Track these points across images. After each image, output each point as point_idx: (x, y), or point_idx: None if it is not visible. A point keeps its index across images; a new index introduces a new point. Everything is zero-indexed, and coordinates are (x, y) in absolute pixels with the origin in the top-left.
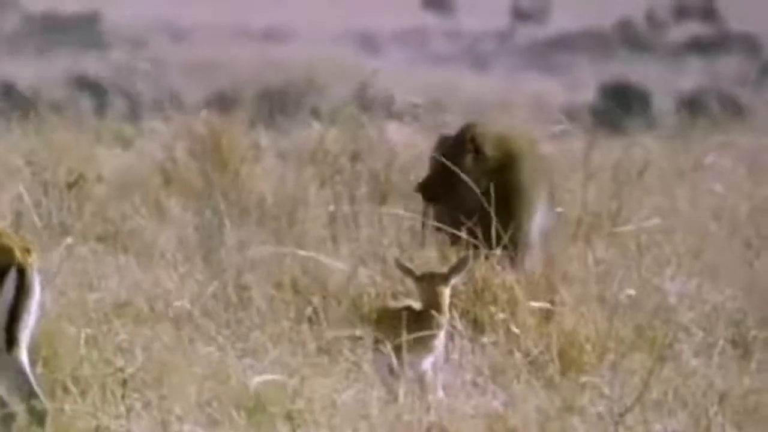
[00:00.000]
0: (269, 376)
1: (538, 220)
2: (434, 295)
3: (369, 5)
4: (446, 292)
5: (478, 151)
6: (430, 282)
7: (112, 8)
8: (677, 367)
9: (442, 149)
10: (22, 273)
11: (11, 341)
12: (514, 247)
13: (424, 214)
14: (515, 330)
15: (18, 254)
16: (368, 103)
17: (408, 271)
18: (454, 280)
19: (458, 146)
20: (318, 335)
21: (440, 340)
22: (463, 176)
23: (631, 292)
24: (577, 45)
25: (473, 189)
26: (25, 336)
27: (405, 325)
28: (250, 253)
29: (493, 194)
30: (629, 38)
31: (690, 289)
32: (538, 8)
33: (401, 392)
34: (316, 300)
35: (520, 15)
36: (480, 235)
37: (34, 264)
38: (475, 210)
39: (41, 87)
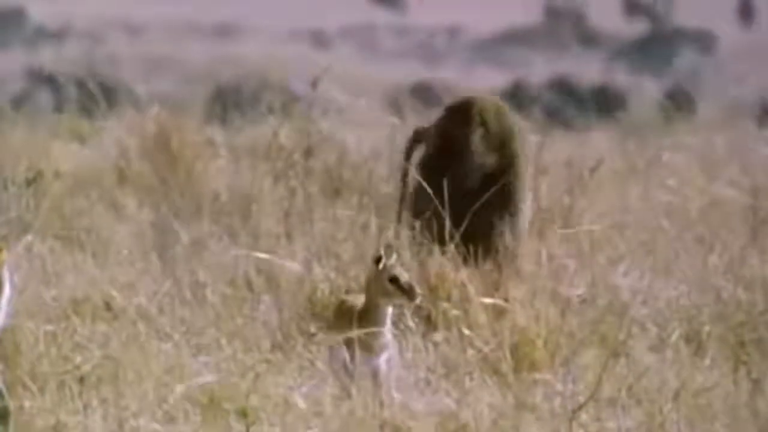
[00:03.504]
0: (224, 374)
1: (528, 205)
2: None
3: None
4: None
5: (484, 126)
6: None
7: (68, 4)
8: (631, 364)
9: (443, 123)
10: None
11: None
12: (510, 236)
13: (402, 200)
14: (466, 331)
15: None
16: (319, 99)
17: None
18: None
19: (464, 120)
20: (272, 332)
21: (389, 337)
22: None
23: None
24: (529, 40)
25: (478, 168)
26: None
27: (356, 321)
28: (205, 250)
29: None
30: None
31: (643, 285)
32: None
33: (354, 389)
34: (269, 297)
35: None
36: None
37: (4, 262)
38: (475, 192)
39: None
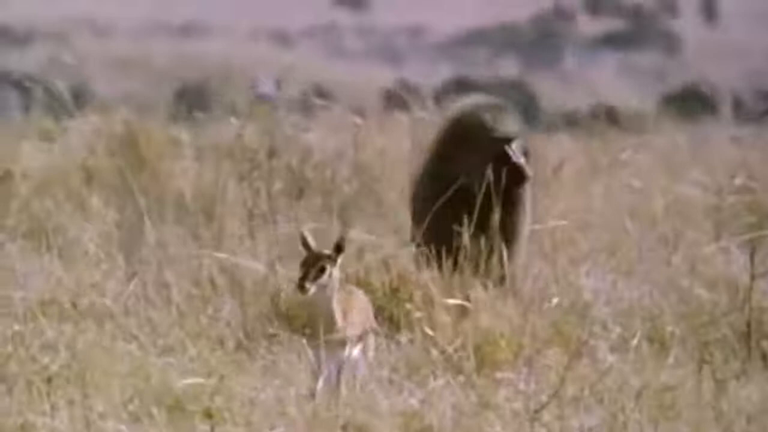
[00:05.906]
0: (189, 375)
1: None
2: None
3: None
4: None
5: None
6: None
7: (34, 6)
8: (593, 363)
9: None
10: None
11: None
12: (508, 247)
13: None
14: (429, 332)
15: None
16: (283, 99)
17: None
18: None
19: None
20: (236, 333)
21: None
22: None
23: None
24: (492, 40)
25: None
26: None
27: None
28: (170, 251)
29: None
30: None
31: (606, 285)
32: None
33: (319, 388)
34: (233, 298)
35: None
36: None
37: None
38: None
39: None
